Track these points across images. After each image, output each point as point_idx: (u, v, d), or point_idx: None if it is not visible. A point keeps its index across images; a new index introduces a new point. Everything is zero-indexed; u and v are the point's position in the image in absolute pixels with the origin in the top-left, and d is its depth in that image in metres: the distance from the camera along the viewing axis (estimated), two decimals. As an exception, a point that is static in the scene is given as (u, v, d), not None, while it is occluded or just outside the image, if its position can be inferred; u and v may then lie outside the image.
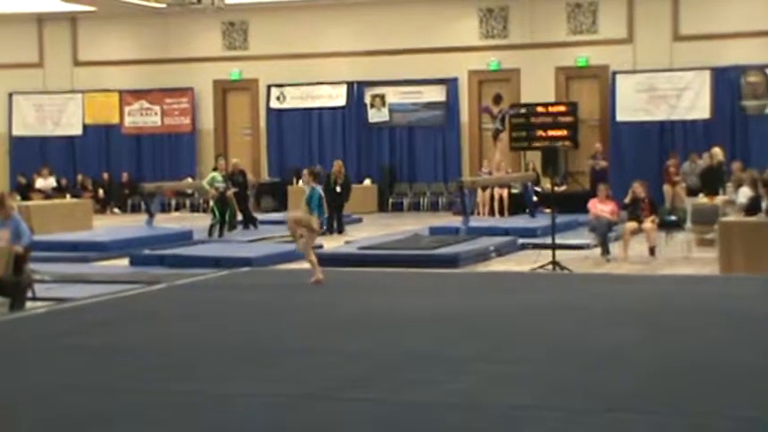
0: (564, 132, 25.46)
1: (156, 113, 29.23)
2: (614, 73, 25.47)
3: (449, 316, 10.16)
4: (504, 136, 21.95)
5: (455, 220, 20.18)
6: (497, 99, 20.80)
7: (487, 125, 25.91)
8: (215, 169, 20.38)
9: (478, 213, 23.16)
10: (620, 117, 25.38)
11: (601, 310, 10.40)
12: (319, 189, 12.97)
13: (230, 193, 19.86)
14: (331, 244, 17.93)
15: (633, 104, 25.18)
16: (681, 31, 25.11)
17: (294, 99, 28.05)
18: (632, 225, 15.93)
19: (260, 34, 28.25)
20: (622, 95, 25.31)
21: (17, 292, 11.26)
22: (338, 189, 20.82)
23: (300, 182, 27.62)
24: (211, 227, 19.51)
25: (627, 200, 16.35)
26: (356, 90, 27.65)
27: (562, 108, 25.85)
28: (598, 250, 15.88)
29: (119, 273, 14.98)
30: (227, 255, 15.77)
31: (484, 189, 23.13)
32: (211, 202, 20.02)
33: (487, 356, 8.17)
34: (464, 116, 27.01)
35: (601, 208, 16.17)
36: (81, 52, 29.79)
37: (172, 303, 11.74)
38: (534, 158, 23.51)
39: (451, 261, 14.98)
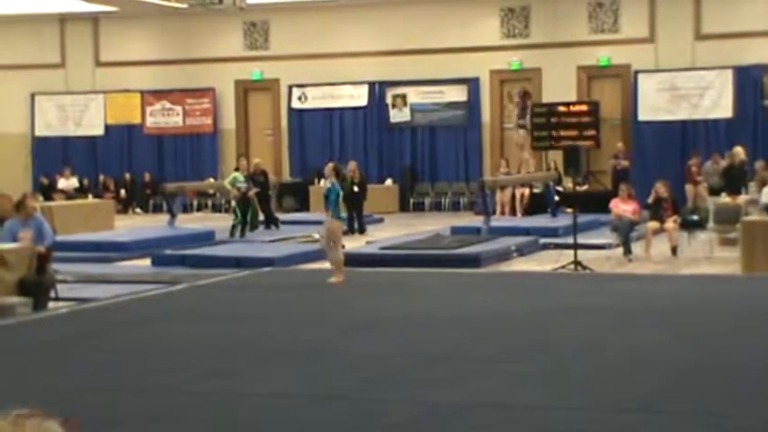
0: (586, 132, 25.39)
1: (177, 114, 29.31)
2: (636, 72, 25.38)
3: (470, 316, 10.15)
4: (519, 133, 21.75)
5: (476, 220, 20.15)
6: (524, 95, 20.75)
7: (509, 125, 25.91)
8: (237, 169, 20.43)
9: (502, 213, 23.14)
10: (641, 116, 25.29)
11: (623, 311, 10.37)
12: (338, 185, 12.96)
13: (252, 193, 19.89)
14: (352, 244, 17.93)
15: (655, 104, 25.09)
16: (703, 30, 25.00)
17: (315, 99, 28.07)
18: (654, 225, 15.87)
19: (281, 34, 28.29)
20: (644, 95, 25.22)
21: (40, 293, 11.32)
22: (356, 189, 20.82)
23: (322, 181, 27.66)
24: (233, 227, 19.56)
25: (649, 199, 16.29)
26: (377, 90, 27.65)
27: (584, 107, 25.77)
28: (620, 250, 15.83)
29: (140, 273, 15.02)
30: (249, 255, 15.79)
31: (502, 189, 23.08)
32: (233, 203, 20.05)
33: (509, 357, 8.16)
34: (485, 116, 26.96)
35: (623, 207, 16.12)
36: (103, 53, 29.90)
37: (193, 304, 11.77)
38: (556, 158, 23.45)
39: (473, 261, 14.96)
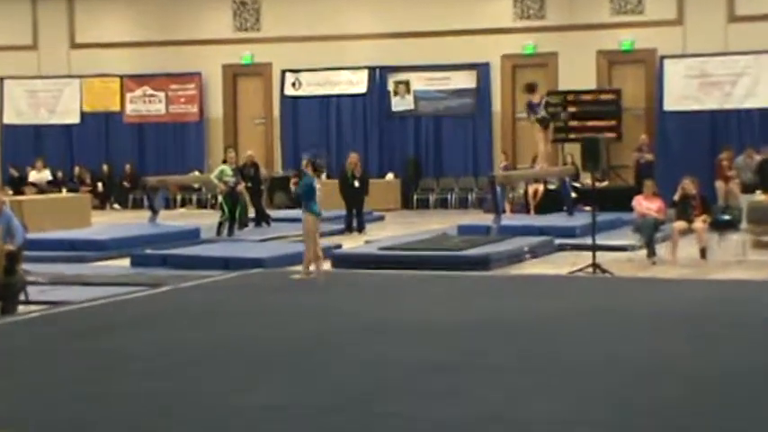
0: (606, 123, 25.38)
1: (160, 101, 29.32)
2: (662, 57, 25.38)
3: (479, 323, 10.17)
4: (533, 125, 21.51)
5: (486, 219, 20.15)
6: (531, 88, 20.65)
7: (522, 114, 25.93)
8: (225, 162, 20.45)
9: (512, 211, 23.14)
10: (668, 106, 25.28)
11: (645, 318, 10.38)
12: (313, 180, 13.52)
13: (241, 187, 19.91)
14: (350, 244, 17.96)
15: (683, 92, 25.07)
16: (737, 11, 25.00)
17: (311, 85, 28.07)
18: (681, 225, 15.87)
19: (274, 15, 28.30)
20: (671, 82, 25.21)
21: (9, 295, 11.33)
22: (355, 183, 20.82)
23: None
24: (220, 224, 19.57)
25: (675, 197, 16.29)
26: (378, 76, 27.65)
27: (604, 96, 25.76)
28: (643, 252, 15.83)
29: (119, 274, 15.03)
30: (238, 255, 15.81)
31: (510, 185, 22.96)
32: (220, 198, 20.07)
33: (521, 367, 8.18)
34: (496, 104, 26.97)
35: (646, 206, 16.13)
36: (79, 34, 29.91)
37: (176, 307, 11.79)
38: (573, 151, 23.45)
39: (482, 263, 14.98)
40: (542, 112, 20.25)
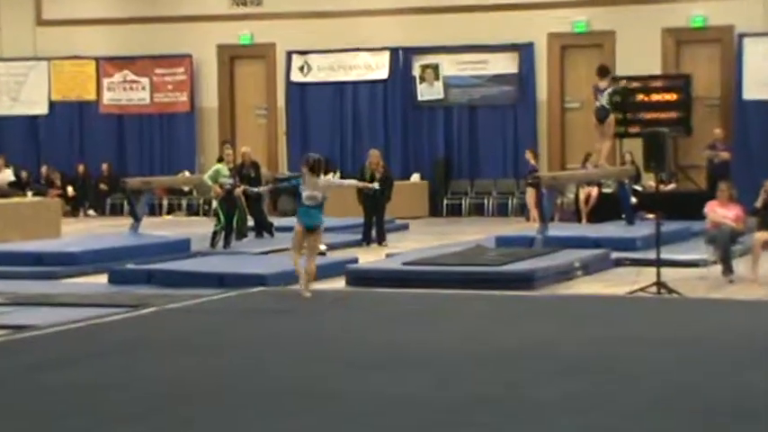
0: (672, 114, 25.33)
1: (143, 88, 29.40)
2: (741, 36, 25.33)
3: (521, 352, 10.14)
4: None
5: (529, 228, 20.10)
6: (603, 71, 20.51)
7: (573, 104, 25.90)
8: (220, 160, 20.48)
9: (560, 219, 23.12)
10: (747, 94, 25.23)
11: (721, 347, 10.33)
12: (297, 181, 13.90)
13: (239, 191, 19.94)
14: (368, 257, 17.94)
15: (766, 77, 25.02)
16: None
17: (322, 70, 28.12)
18: (764, 236, 15.81)
19: (278, -14, 28.40)
20: (751, 66, 25.15)
21: (-36, 317, 11.35)
22: (376, 185, 20.79)
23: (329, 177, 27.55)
24: (215, 234, 19.60)
25: (757, 203, 16.22)
26: (402, 58, 27.67)
27: (670, 82, 25.71)
28: (718, 268, 15.77)
29: (94, 293, 15.03)
30: (235, 271, 15.83)
31: (534, 188, 22.70)
32: (215, 203, 20.11)
33: (569, 405, 8.14)
34: (541, 93, 26.95)
35: (722, 213, 16.07)
36: (46, 8, 30.02)
37: (162, 334, 11.78)
38: (633, 148, 23.40)
39: (525, 281, 14.94)
40: (603, 100, 20.07)
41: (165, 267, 16.29)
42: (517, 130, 27.14)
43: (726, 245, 15.73)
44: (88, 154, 29.59)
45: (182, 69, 29.11)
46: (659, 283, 14.27)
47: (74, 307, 13.56)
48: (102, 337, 11.49)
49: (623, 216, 21.23)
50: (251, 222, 21.05)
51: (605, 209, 23.15)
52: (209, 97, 29.14)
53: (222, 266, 16.39)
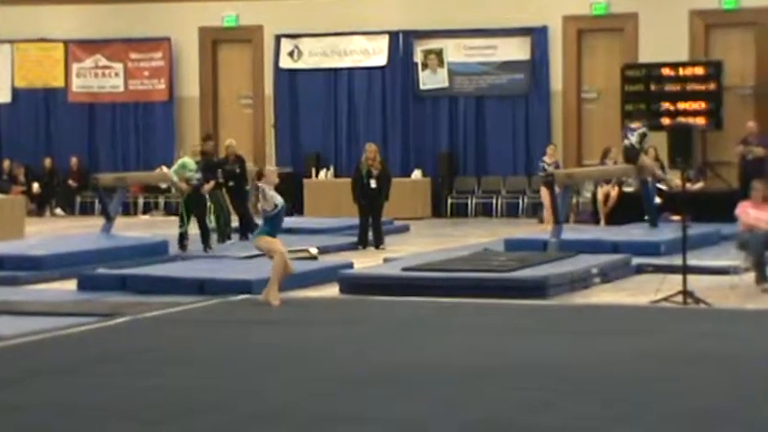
0: (701, 105, 25.34)
1: (117, 74, 29.39)
2: (776, 19, 25.38)
3: (531, 368, 10.13)
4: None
5: (542, 230, 20.09)
6: (637, 116, 21.10)
7: (590, 94, 25.91)
8: (204, 153, 20.44)
9: (576, 221, 23.13)
10: (783, 84, 25.28)
11: (755, 363, 10.32)
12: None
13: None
14: (364, 262, 17.92)
15: (804, 65, 25.08)
16: None
17: (314, 56, 28.12)
18: (800, 240, 15.82)
19: (266, -38, 28.41)
20: (788, 52, 25.20)
21: None
22: (372, 184, 20.79)
23: (321, 173, 27.76)
24: (181, 237, 19.52)
25: (793, 204, 16.23)
26: (402, 43, 27.67)
27: (699, 70, 25.70)
28: (751, 276, 15.77)
29: (62, 301, 15.01)
30: (217, 276, 15.81)
31: (548, 186, 22.82)
32: (181, 201, 20.09)
33: (584, 428, 8.13)
34: (556, 82, 26.94)
35: (755, 215, 16.06)
36: (11, -14, 30.07)
37: (136, 346, 11.76)
38: (658, 143, 23.39)
39: (537, 288, 14.94)
40: (633, 139, 20.43)
41: (141, 272, 16.27)
42: (529, 123, 27.14)
43: (760, 250, 15.72)
44: (56, 147, 29.58)
45: (159, 54, 29.11)
46: (685, 292, 14.25)
47: (38, 316, 13.56)
48: (70, 351, 11.48)
49: (646, 218, 21.23)
50: (235, 223, 21.02)
51: (626, 209, 23.12)
52: (190, 85, 29.13)
53: (203, 271, 16.37)
